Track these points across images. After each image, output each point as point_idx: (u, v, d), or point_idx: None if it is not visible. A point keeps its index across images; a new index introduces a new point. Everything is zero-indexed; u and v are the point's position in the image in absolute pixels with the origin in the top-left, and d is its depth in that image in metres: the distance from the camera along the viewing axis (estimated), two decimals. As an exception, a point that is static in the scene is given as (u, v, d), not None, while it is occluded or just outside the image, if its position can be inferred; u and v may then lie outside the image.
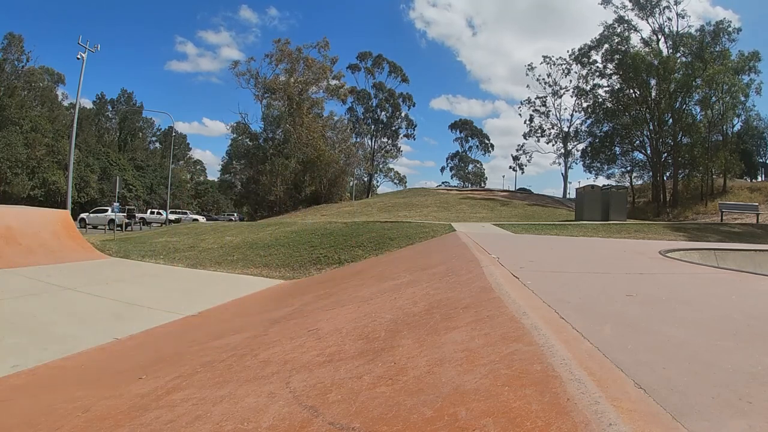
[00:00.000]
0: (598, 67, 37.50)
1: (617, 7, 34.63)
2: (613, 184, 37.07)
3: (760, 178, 44.28)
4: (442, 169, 73.05)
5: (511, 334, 1.46)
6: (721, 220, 19.16)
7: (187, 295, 5.90)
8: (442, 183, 60.62)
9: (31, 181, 40.71)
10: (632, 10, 34.28)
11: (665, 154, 34.12)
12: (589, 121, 39.92)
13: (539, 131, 45.61)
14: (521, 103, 52.73)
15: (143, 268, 7.82)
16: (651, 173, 35.71)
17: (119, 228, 19.91)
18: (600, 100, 37.90)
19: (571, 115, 43.93)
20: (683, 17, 33.09)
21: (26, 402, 2.28)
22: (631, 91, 35.02)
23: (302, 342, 2.13)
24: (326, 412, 1.22)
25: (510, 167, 53.48)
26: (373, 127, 50.62)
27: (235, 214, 43.32)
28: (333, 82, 38.20)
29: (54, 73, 48.87)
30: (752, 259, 5.60)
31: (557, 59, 42.88)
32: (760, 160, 46.27)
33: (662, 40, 34.16)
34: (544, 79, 43.96)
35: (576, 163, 44.35)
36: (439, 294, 2.44)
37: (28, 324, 4.03)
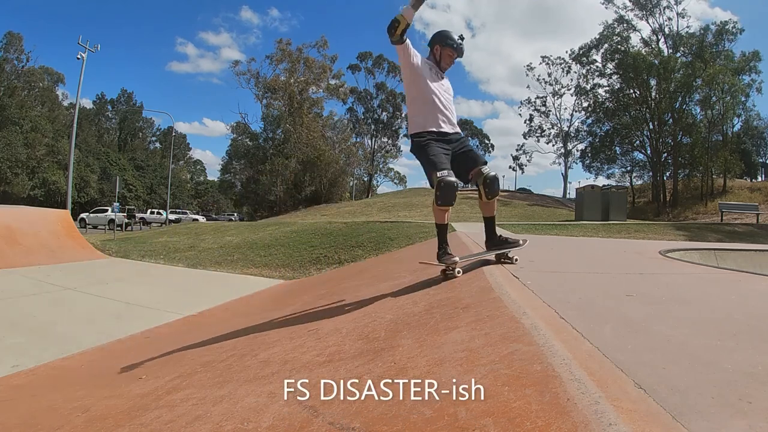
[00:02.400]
0: (598, 66, 37.51)
1: (618, 7, 34.64)
2: (613, 184, 37.14)
3: (760, 178, 44.28)
4: (442, 169, 72.90)
5: (511, 334, 1.46)
6: (721, 220, 19.16)
7: (187, 295, 5.91)
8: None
9: (31, 181, 40.72)
10: (632, 10, 34.28)
11: (665, 154, 34.14)
12: (589, 121, 39.95)
13: (539, 131, 45.63)
14: (521, 103, 52.76)
15: (143, 268, 7.82)
16: (651, 173, 35.72)
17: (119, 228, 19.91)
18: (600, 99, 37.90)
19: (571, 115, 43.95)
20: (683, 17, 33.13)
21: (26, 402, 2.28)
22: (631, 90, 35.03)
23: (302, 342, 2.13)
24: (326, 412, 1.22)
25: (510, 167, 53.47)
26: (373, 126, 50.62)
27: (235, 214, 43.32)
28: (333, 82, 38.22)
29: (54, 73, 48.86)
30: (752, 259, 5.60)
31: (556, 59, 42.91)
32: (760, 160, 46.25)
33: (662, 39, 34.18)
34: (544, 78, 43.99)
35: (576, 163, 44.41)
36: (439, 294, 2.44)
37: (28, 324, 4.03)
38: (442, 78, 2.87)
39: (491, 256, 3.06)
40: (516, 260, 3.03)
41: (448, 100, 2.84)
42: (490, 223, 3.03)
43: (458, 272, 2.75)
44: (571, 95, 42.29)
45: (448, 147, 2.74)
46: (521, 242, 3.04)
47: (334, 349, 1.85)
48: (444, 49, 2.86)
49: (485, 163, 2.89)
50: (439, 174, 2.60)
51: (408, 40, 2.68)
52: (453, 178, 2.64)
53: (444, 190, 2.61)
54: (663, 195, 33.07)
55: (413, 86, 2.78)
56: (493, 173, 2.81)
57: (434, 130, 2.74)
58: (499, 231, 3.14)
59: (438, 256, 2.82)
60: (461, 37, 2.85)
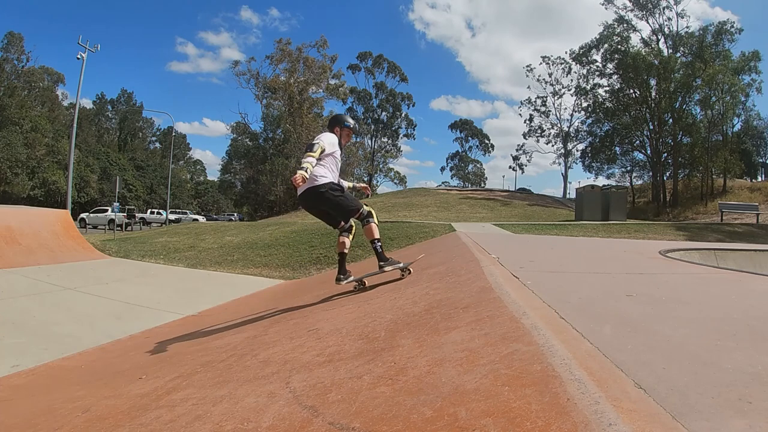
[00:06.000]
0: (598, 66, 37.51)
1: (618, 8, 34.64)
2: (613, 184, 37.15)
3: (760, 178, 44.29)
4: (442, 169, 73.32)
5: (511, 334, 1.46)
6: (721, 220, 19.16)
7: (187, 295, 5.91)
8: (442, 183, 60.61)
9: (31, 181, 40.71)
10: (632, 10, 34.28)
11: (665, 154, 34.13)
12: (589, 121, 39.95)
13: (539, 131, 45.67)
14: (521, 103, 52.86)
15: (143, 268, 7.82)
16: (651, 173, 35.71)
17: (119, 228, 19.92)
18: (600, 99, 37.90)
19: (571, 115, 44.00)
20: (683, 17, 33.11)
21: (26, 402, 2.28)
22: (631, 90, 35.02)
23: (302, 342, 2.13)
24: (326, 412, 1.22)
25: (510, 167, 53.56)
26: (373, 127, 50.62)
27: (235, 214, 43.32)
28: (333, 82, 38.22)
29: (54, 73, 48.88)
30: (752, 259, 5.60)
31: (556, 59, 42.95)
32: (760, 160, 46.28)
33: (662, 40, 34.18)
34: (544, 78, 44.02)
35: (576, 163, 44.45)
36: (439, 294, 2.44)
37: (28, 324, 4.02)
38: (341, 152, 3.51)
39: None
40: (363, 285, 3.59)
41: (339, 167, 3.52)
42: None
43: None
44: (571, 95, 42.36)
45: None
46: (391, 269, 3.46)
47: (334, 349, 1.85)
48: (343, 130, 3.55)
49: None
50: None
51: (318, 150, 3.21)
52: None
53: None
54: (663, 195, 33.06)
55: (330, 162, 3.36)
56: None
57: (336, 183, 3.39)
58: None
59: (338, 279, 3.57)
60: (355, 119, 3.40)
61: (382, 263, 3.39)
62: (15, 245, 7.17)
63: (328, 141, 3.33)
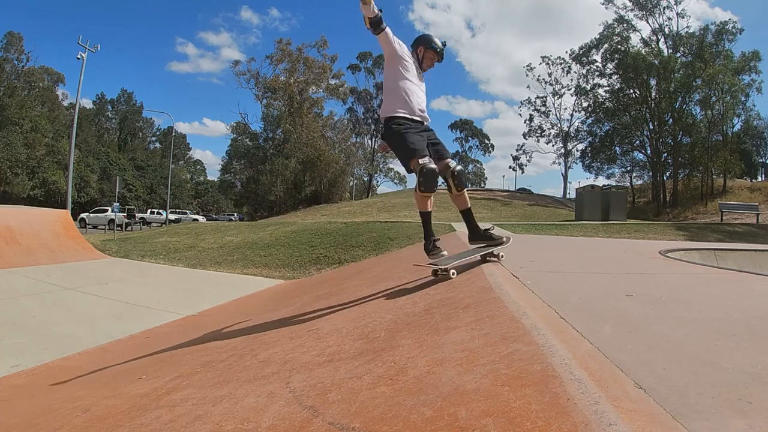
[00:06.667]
0: (597, 66, 37.51)
1: (618, 7, 34.65)
2: (613, 184, 37.15)
3: (760, 178, 44.34)
4: (442, 169, 73.13)
5: (511, 334, 1.46)
6: (721, 220, 19.16)
7: (187, 295, 5.91)
8: (442, 183, 60.62)
9: (31, 181, 40.72)
10: (632, 10, 34.29)
11: (665, 154, 34.13)
12: (589, 121, 39.94)
13: (539, 131, 45.65)
14: (521, 103, 52.84)
15: (143, 268, 7.82)
16: (651, 173, 35.71)
17: (119, 228, 19.93)
18: (600, 99, 37.89)
19: (571, 115, 43.98)
20: (683, 17, 33.12)
21: (26, 402, 2.29)
22: (631, 90, 35.01)
23: (302, 342, 2.13)
24: (326, 412, 1.22)
25: (510, 167, 53.63)
26: (373, 126, 50.58)
27: (235, 214, 43.31)
28: (333, 82, 38.21)
29: (54, 73, 48.93)
30: (752, 259, 5.60)
31: (556, 59, 42.93)
32: (760, 160, 46.32)
33: (662, 40, 34.18)
34: (544, 78, 44.00)
35: (576, 163, 44.45)
36: (439, 294, 2.44)
37: (28, 324, 4.03)
38: (421, 77, 2.97)
39: (477, 255, 2.93)
40: (502, 257, 2.99)
41: (424, 96, 2.94)
42: (468, 216, 3.01)
43: (453, 273, 2.63)
44: (571, 95, 42.36)
45: (423, 136, 2.82)
46: (505, 240, 3.01)
47: (334, 349, 1.85)
48: (427, 52, 2.98)
49: (452, 156, 2.98)
50: (420, 161, 2.67)
51: (388, 30, 2.75)
52: (434, 165, 2.71)
53: (427, 177, 2.67)
54: (663, 195, 33.06)
55: (397, 73, 2.81)
56: (459, 167, 2.91)
57: (412, 118, 2.80)
58: (484, 226, 3.13)
59: (425, 248, 2.82)
60: (444, 44, 3.06)
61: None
62: (15, 245, 7.17)
63: (404, 47, 2.81)
